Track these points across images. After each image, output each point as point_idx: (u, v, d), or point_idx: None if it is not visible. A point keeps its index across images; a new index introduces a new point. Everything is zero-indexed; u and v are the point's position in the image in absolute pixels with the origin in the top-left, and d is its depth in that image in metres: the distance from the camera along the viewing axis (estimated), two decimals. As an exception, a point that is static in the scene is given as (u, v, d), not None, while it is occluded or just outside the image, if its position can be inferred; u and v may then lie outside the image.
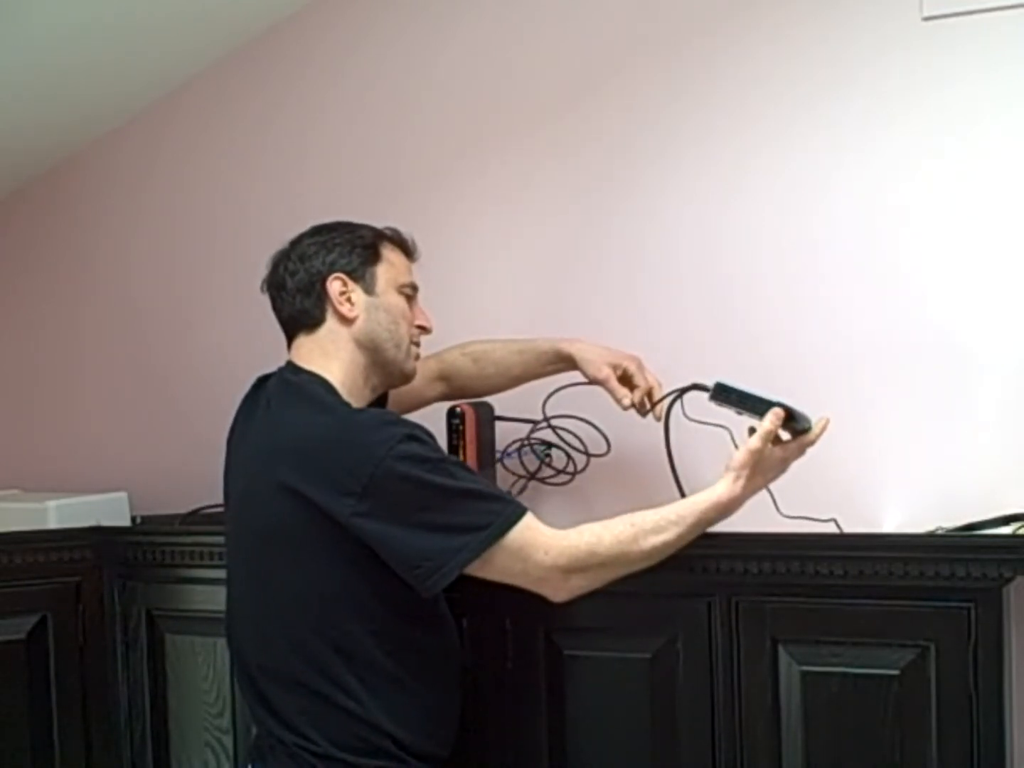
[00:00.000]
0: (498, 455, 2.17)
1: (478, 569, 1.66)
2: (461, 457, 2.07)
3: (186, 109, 2.60)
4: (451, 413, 2.09)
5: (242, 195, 2.54)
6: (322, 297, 1.78)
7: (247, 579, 1.78)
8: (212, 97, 2.57)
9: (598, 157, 2.27)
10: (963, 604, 1.65)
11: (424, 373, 2.07)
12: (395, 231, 1.88)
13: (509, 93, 2.33)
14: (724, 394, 1.74)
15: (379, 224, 1.87)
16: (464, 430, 2.07)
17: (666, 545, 1.68)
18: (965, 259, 2.03)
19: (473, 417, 2.08)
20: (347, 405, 1.74)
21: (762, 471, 1.71)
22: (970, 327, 2.02)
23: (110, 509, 2.34)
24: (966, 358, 2.02)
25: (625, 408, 2.00)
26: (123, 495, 2.40)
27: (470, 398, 2.13)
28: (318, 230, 1.83)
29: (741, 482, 1.69)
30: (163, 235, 2.64)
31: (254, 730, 1.84)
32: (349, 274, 1.79)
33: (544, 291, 2.30)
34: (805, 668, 1.73)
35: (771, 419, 1.70)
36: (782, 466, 1.74)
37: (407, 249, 1.88)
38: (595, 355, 2.02)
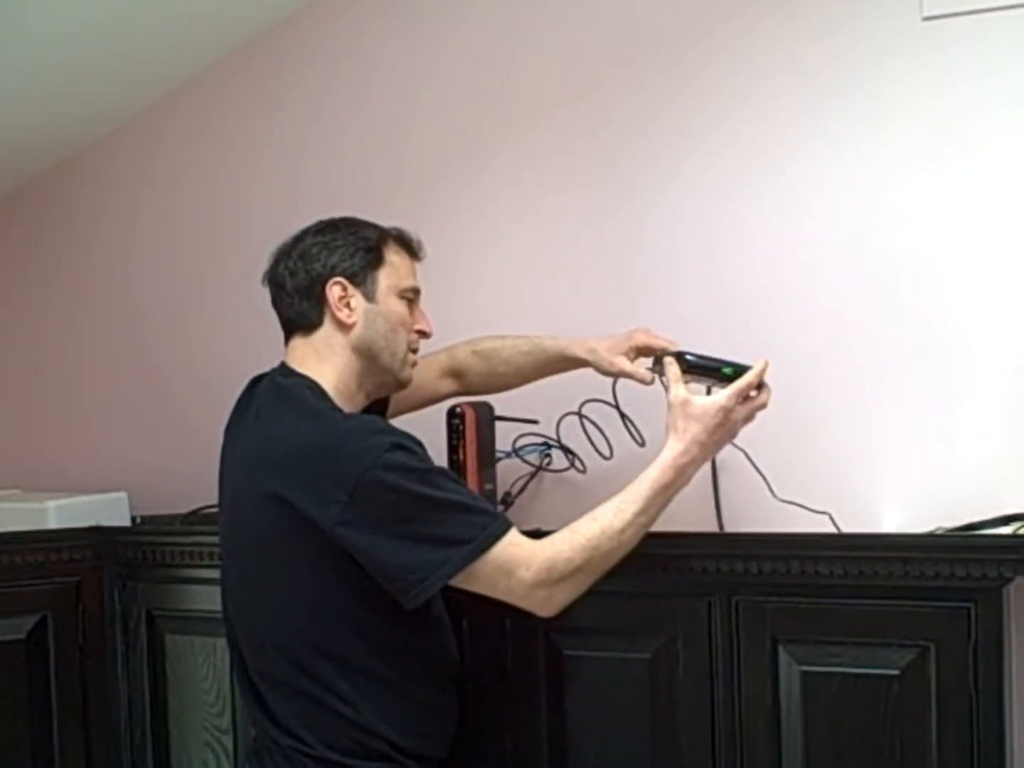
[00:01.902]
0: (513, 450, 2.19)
1: (461, 582, 1.64)
2: (461, 457, 2.07)
3: (186, 109, 2.60)
4: (451, 413, 2.08)
5: (242, 195, 2.54)
6: (321, 301, 1.75)
7: (239, 583, 1.78)
8: (212, 97, 2.57)
9: (598, 156, 2.27)
10: (963, 604, 1.65)
11: (435, 369, 2.07)
12: (400, 231, 1.84)
13: (510, 91, 2.33)
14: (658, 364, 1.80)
15: (382, 223, 1.84)
16: (464, 430, 2.07)
17: (631, 526, 1.66)
18: (965, 258, 2.03)
19: (473, 417, 2.08)
20: (337, 411, 1.71)
21: (696, 418, 1.68)
22: (971, 326, 2.02)
23: (110, 509, 2.34)
24: (967, 358, 2.02)
25: (649, 383, 1.92)
26: (123, 495, 2.40)
27: (481, 395, 2.12)
28: (322, 228, 1.80)
29: (681, 436, 1.69)
30: (163, 235, 2.63)
31: (253, 731, 1.84)
32: (350, 279, 1.75)
33: (544, 288, 2.30)
34: (805, 668, 1.73)
35: (670, 369, 1.74)
36: (723, 414, 1.69)
37: (412, 250, 1.84)
38: (604, 351, 1.98)
